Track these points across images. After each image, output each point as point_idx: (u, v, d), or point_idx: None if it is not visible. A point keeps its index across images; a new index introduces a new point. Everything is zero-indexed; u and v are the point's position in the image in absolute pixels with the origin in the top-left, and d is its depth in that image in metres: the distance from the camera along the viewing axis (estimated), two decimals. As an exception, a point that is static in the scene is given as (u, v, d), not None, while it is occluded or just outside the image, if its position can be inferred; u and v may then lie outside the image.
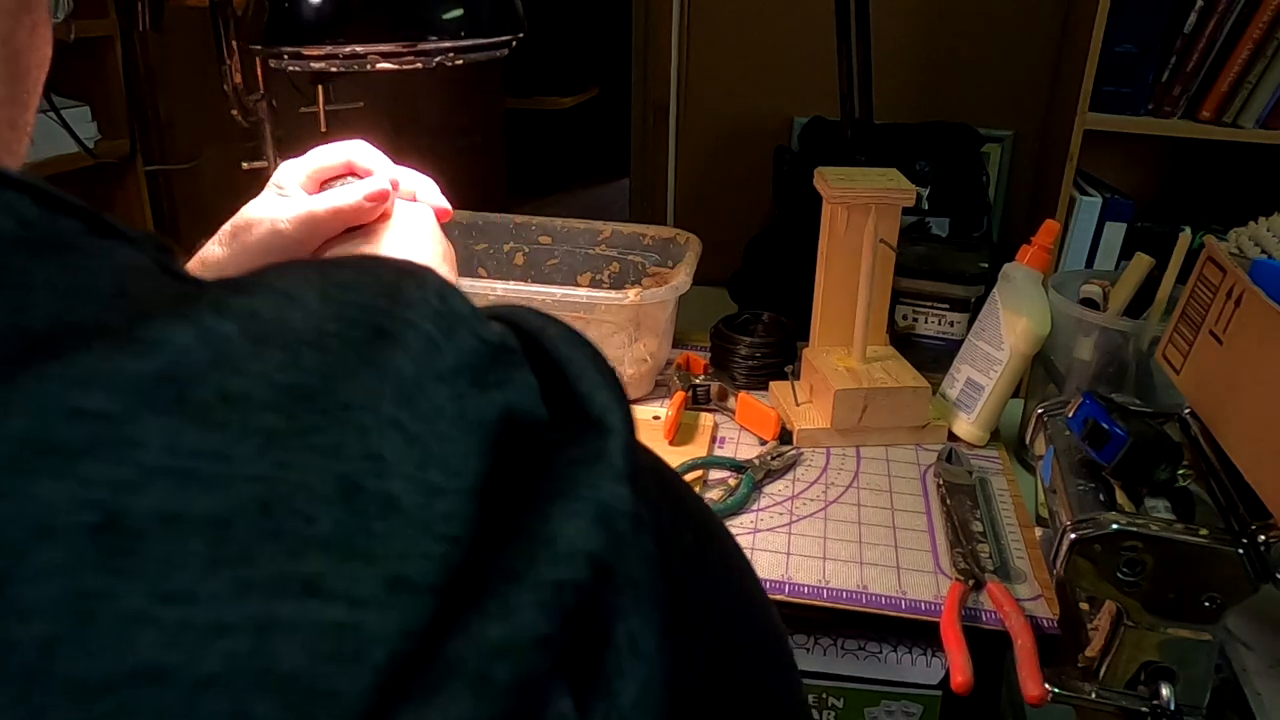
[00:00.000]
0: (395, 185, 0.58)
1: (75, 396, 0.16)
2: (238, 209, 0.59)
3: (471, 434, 0.19)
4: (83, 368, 0.16)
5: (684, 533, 0.25)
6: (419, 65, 0.68)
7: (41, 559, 0.14)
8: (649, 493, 0.22)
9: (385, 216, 0.57)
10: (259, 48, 0.68)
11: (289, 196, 0.57)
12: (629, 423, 0.22)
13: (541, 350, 0.22)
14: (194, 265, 0.58)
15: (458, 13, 0.68)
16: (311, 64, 0.68)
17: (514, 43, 0.73)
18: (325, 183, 0.59)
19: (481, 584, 0.17)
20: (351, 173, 0.59)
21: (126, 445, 0.16)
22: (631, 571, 0.19)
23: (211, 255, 0.57)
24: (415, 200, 0.60)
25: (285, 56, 0.68)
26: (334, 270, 0.21)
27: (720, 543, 0.27)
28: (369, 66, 0.68)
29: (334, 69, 0.69)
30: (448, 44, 0.68)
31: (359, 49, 0.66)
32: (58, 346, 0.16)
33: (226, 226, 0.57)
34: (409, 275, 0.21)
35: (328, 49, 0.66)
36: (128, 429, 0.16)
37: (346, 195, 0.56)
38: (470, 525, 0.18)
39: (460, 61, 0.70)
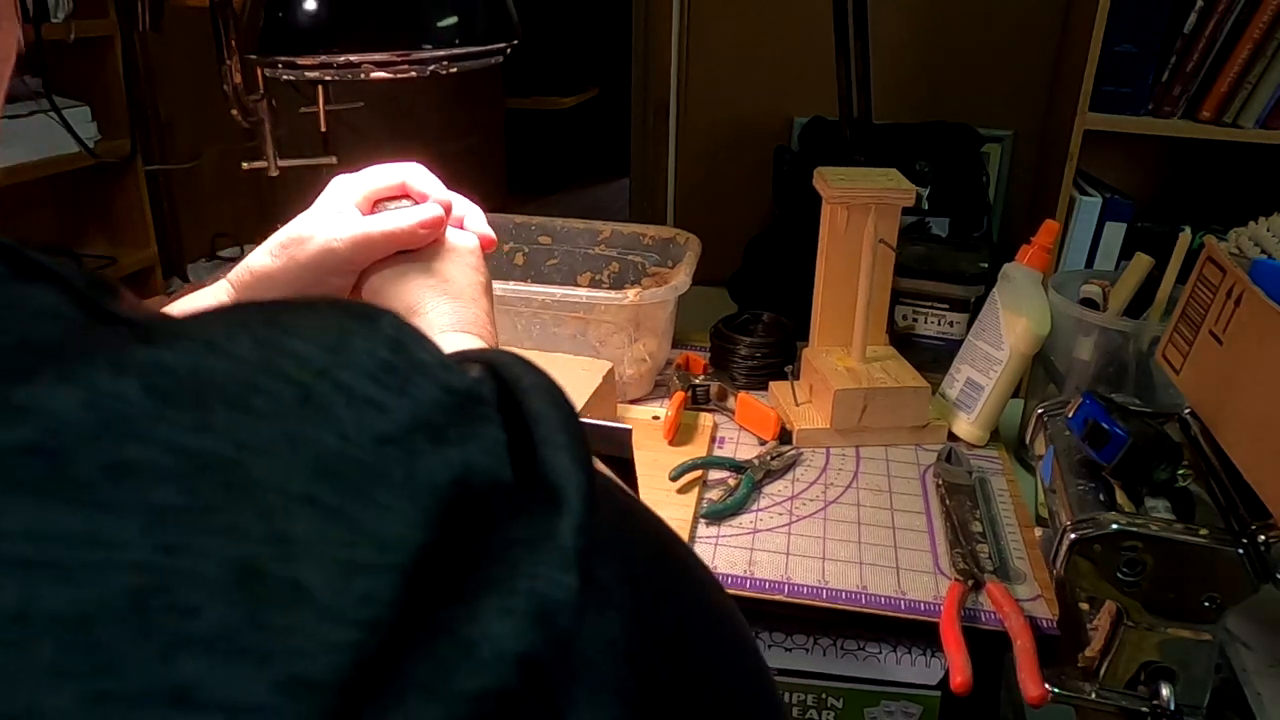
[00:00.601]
0: (448, 210, 0.58)
1: None
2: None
3: (417, 502, 0.17)
4: None
5: (665, 607, 0.23)
6: (413, 74, 0.68)
7: None
8: (631, 565, 0.20)
9: (436, 243, 0.58)
10: (254, 56, 0.68)
11: (343, 214, 0.57)
12: (588, 492, 0.20)
13: (514, 401, 0.21)
14: (242, 274, 0.57)
15: (452, 21, 0.68)
16: (306, 73, 0.68)
17: (508, 50, 0.73)
18: (378, 203, 0.59)
19: (391, 686, 0.15)
20: (405, 195, 0.59)
21: None
22: (587, 659, 0.18)
23: (261, 266, 0.57)
24: (462, 227, 0.61)
25: (280, 65, 0.68)
26: (280, 312, 0.19)
27: (714, 608, 0.25)
28: (363, 75, 0.68)
29: (328, 78, 0.69)
30: (442, 52, 0.68)
31: (353, 58, 0.66)
32: None
33: (278, 236, 0.57)
34: (361, 320, 0.20)
35: (322, 58, 0.66)
36: None
37: (402, 220, 0.56)
38: (393, 608, 0.16)
39: (454, 70, 0.70)
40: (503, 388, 0.21)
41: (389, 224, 0.56)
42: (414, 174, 0.59)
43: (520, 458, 0.20)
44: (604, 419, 0.82)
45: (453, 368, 0.20)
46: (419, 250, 0.57)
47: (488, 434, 0.19)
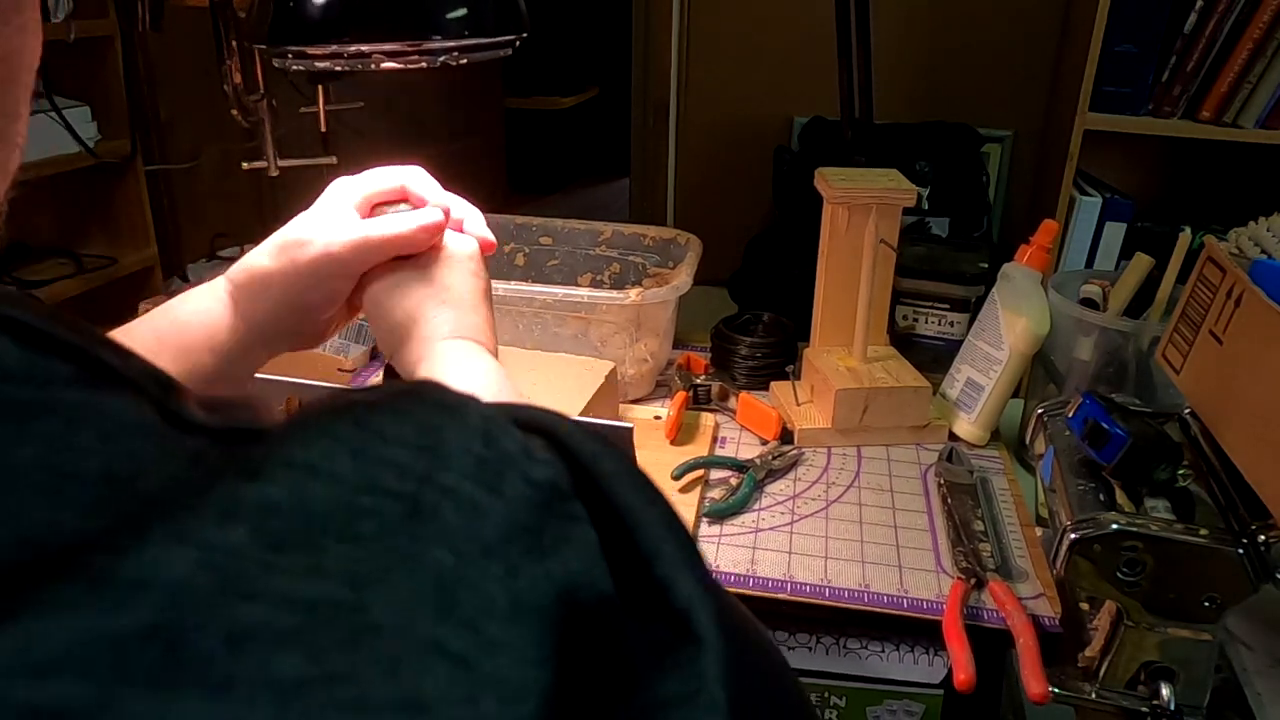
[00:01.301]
0: (447, 214, 0.58)
1: (28, 691, 0.12)
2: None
3: (529, 632, 0.16)
4: (43, 641, 0.12)
5: (762, 705, 0.22)
6: (423, 64, 0.68)
7: None
8: (742, 682, 0.19)
9: (435, 248, 0.57)
10: (263, 47, 0.68)
11: (343, 217, 0.56)
12: (720, 621, 0.18)
13: (597, 490, 0.19)
14: (240, 274, 0.57)
15: (462, 12, 0.68)
16: (316, 63, 0.68)
17: (518, 42, 0.73)
18: (376, 206, 0.59)
19: None
20: (405, 198, 0.59)
21: None
22: None
23: (260, 266, 0.56)
24: (462, 230, 0.60)
25: (290, 56, 0.68)
26: (369, 414, 0.18)
27: (792, 696, 0.25)
28: (373, 66, 0.68)
29: (338, 68, 0.69)
30: (452, 43, 0.68)
31: (363, 48, 0.66)
32: (15, 597, 0.13)
33: (276, 238, 0.56)
34: (450, 413, 0.19)
35: (332, 48, 0.66)
36: None
37: (401, 224, 0.55)
38: None
39: (464, 61, 0.70)
40: (575, 467, 0.20)
41: (389, 228, 0.55)
42: (414, 177, 0.59)
43: (616, 560, 0.18)
44: (606, 419, 0.82)
45: (533, 455, 0.19)
46: (418, 256, 0.56)
47: (580, 536, 0.18)
